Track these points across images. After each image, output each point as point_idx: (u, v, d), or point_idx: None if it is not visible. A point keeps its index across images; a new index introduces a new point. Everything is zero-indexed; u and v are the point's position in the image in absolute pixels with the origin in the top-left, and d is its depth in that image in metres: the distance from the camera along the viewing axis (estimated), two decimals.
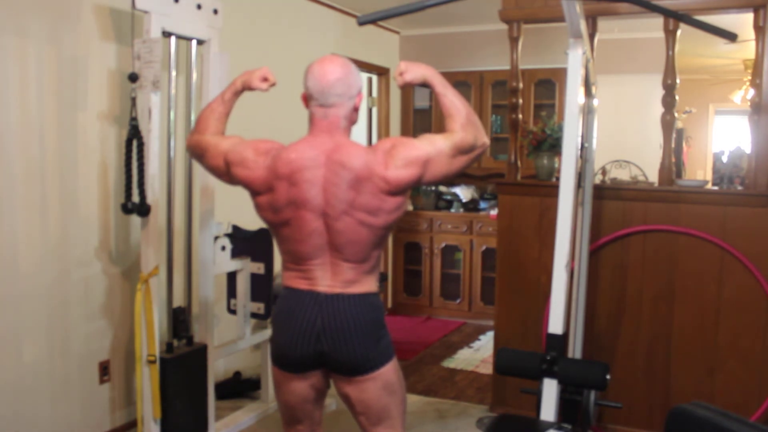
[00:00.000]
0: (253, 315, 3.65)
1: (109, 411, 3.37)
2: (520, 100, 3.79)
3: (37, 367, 3.02)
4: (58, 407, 3.12)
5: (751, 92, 3.41)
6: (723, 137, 8.46)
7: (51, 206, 3.05)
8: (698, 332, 3.35)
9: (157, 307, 3.05)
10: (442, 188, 6.28)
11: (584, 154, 3.12)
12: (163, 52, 2.95)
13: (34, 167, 2.97)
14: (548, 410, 2.46)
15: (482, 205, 6.13)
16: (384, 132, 6.14)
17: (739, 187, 3.60)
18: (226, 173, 2.06)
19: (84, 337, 3.22)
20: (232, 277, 3.62)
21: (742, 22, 3.84)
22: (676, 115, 3.44)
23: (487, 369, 4.60)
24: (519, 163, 3.81)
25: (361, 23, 2.39)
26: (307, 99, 2.02)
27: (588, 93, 3.02)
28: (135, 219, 3.31)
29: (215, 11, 3.27)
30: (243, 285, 3.58)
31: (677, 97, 3.42)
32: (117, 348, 3.39)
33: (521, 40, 3.69)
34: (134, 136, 2.97)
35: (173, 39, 3.12)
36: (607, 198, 3.49)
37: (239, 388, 4.02)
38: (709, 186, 3.95)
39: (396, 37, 6.29)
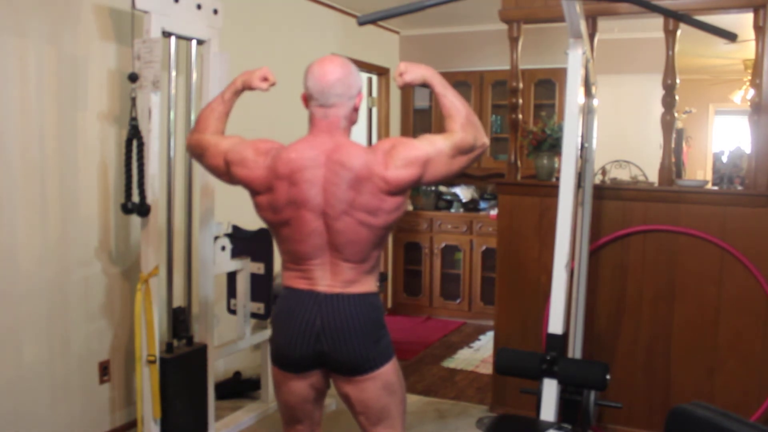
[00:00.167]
0: (253, 315, 3.65)
1: (109, 411, 3.37)
2: (520, 100, 3.79)
3: (37, 367, 3.02)
4: (58, 407, 3.12)
5: (751, 92, 3.41)
6: (723, 137, 8.46)
7: (51, 206, 3.05)
8: (698, 332, 3.35)
9: (157, 307, 3.05)
10: (442, 188, 6.28)
11: (584, 154, 3.12)
12: (163, 52, 2.95)
13: (34, 167, 2.97)
14: (548, 410, 2.46)
15: (482, 205, 6.13)
16: (384, 132, 6.14)
17: (739, 187, 3.60)
18: (226, 173, 2.06)
19: (84, 337, 3.22)
20: (232, 277, 3.62)
21: (742, 22, 3.84)
22: (676, 115, 3.44)
23: (487, 369, 4.60)
24: (519, 163, 3.81)
25: (361, 23, 2.39)
26: (307, 99, 2.02)
27: (588, 93, 3.02)
28: (135, 219, 3.31)
29: (215, 11, 3.27)
30: (243, 285, 3.58)
31: (677, 97, 3.42)
32: (117, 348, 3.39)
33: (521, 40, 3.69)
34: (134, 136, 2.97)
35: (173, 39, 3.12)
36: (607, 198, 3.49)
37: (239, 388, 4.02)
38: (709, 186, 3.96)
39: (396, 37, 6.29)
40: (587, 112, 3.11)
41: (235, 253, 3.52)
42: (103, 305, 3.31)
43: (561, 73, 5.29)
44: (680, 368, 3.40)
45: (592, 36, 3.46)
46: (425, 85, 2.07)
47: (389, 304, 6.28)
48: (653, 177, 4.07)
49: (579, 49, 2.60)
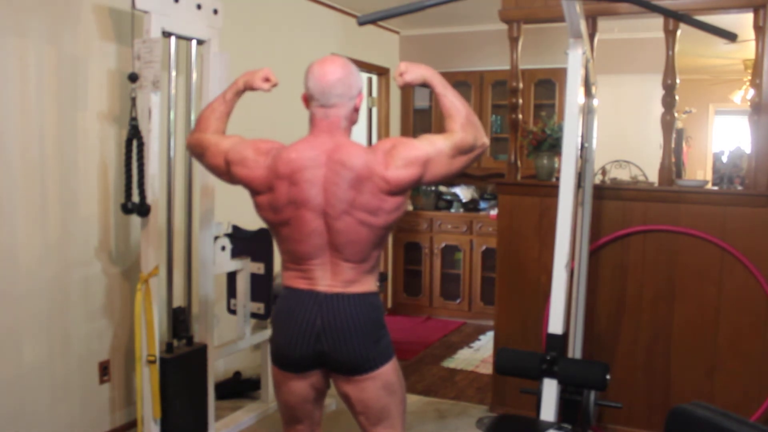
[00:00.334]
0: (253, 315, 3.65)
1: (109, 411, 3.37)
2: (520, 100, 3.79)
3: (37, 366, 3.02)
4: (58, 407, 3.12)
5: (751, 92, 3.41)
6: (723, 137, 8.46)
7: (51, 206, 3.05)
8: (698, 332, 3.35)
9: (157, 307, 3.05)
10: (442, 188, 6.28)
11: (584, 154, 3.12)
12: (163, 52, 2.95)
13: (34, 167, 2.97)
14: (548, 410, 2.46)
15: (482, 205, 6.13)
16: (384, 132, 6.14)
17: (739, 187, 3.60)
18: (227, 172, 2.06)
19: (84, 337, 3.22)
20: (232, 277, 3.62)
21: (742, 22, 3.84)
22: (676, 115, 3.44)
23: (487, 369, 4.60)
24: (519, 163, 3.81)
25: (361, 23, 2.39)
26: (307, 99, 2.02)
27: (588, 93, 3.02)
28: (135, 219, 3.31)
29: (215, 11, 3.27)
30: (243, 285, 3.58)
31: (677, 97, 3.42)
32: (117, 348, 3.39)
33: (521, 40, 3.69)
34: (134, 136, 2.97)
35: (173, 39, 3.12)
36: (607, 198, 3.49)
37: (239, 388, 4.02)
38: (709, 186, 3.95)
39: (396, 37, 6.29)
40: (587, 112, 3.11)
41: (235, 253, 3.52)
42: (103, 305, 3.31)
43: (561, 73, 5.29)
44: (680, 368, 3.40)
45: (592, 36, 3.46)
46: (425, 85, 2.07)
47: (389, 304, 6.28)
48: (653, 177, 4.07)
49: (579, 49, 2.60)
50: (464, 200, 6.15)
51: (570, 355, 3.22)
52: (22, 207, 2.93)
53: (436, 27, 6.08)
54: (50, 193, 3.05)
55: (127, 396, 3.45)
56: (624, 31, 5.46)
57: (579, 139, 2.66)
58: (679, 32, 3.36)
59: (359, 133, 5.95)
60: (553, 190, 3.12)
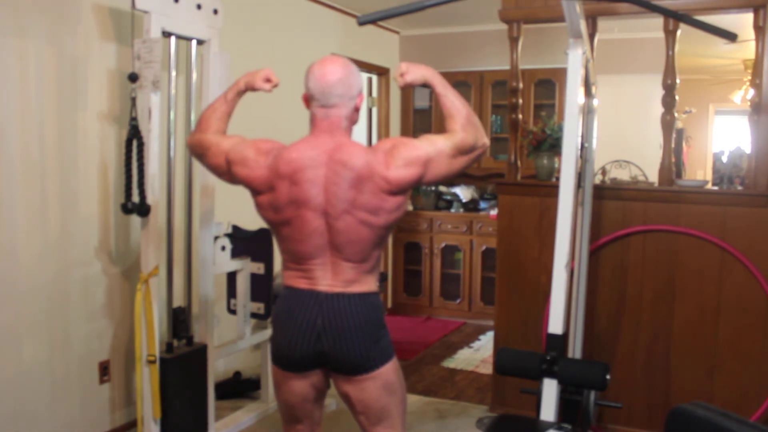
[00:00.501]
0: (253, 315, 3.65)
1: (109, 411, 3.37)
2: (520, 100, 3.79)
3: (37, 366, 3.02)
4: (58, 407, 3.12)
5: (751, 92, 3.41)
6: (723, 137, 8.46)
7: (51, 206, 3.05)
8: (698, 332, 3.35)
9: (157, 307, 3.05)
10: (442, 188, 6.28)
11: (584, 154, 3.12)
12: (163, 52, 2.95)
13: (34, 167, 2.97)
14: (548, 410, 2.46)
15: (482, 205, 6.13)
16: (384, 132, 6.14)
17: (739, 187, 3.61)
18: (227, 172, 2.06)
19: (84, 337, 3.22)
20: (232, 277, 3.62)
21: (742, 22, 3.84)
22: (676, 115, 3.44)
23: (487, 369, 4.60)
24: (519, 163, 3.81)
25: (361, 23, 2.39)
26: (308, 100, 2.02)
27: (588, 93, 3.02)
28: (135, 219, 3.31)
29: (215, 11, 3.27)
30: (243, 285, 3.58)
31: (677, 97, 3.42)
32: (117, 348, 3.39)
33: (521, 40, 3.69)
34: (134, 136, 2.97)
35: (173, 39, 3.12)
36: (607, 198, 3.49)
37: (239, 388, 4.02)
38: (709, 186, 3.96)
39: (396, 37, 6.29)
40: (587, 112, 3.11)
41: (235, 253, 3.52)
42: (103, 305, 3.31)
43: (561, 73, 5.28)
44: (680, 368, 3.40)
45: (592, 36, 3.46)
46: (426, 85, 2.07)
47: (389, 304, 6.28)
48: (653, 177, 4.07)
49: (579, 49, 2.60)
50: (464, 200, 6.15)
51: (570, 355, 3.22)
52: (22, 207, 2.93)
53: (436, 27, 6.08)
54: (50, 193, 3.05)
55: (127, 396, 3.45)
56: (624, 31, 5.46)
57: (579, 139, 2.66)
58: (679, 32, 3.36)
59: (359, 133, 5.95)
60: (553, 190, 3.12)
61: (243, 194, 2.11)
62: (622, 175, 4.95)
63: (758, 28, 3.19)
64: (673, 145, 3.48)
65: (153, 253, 3.01)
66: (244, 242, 3.53)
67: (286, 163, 1.94)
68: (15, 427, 2.93)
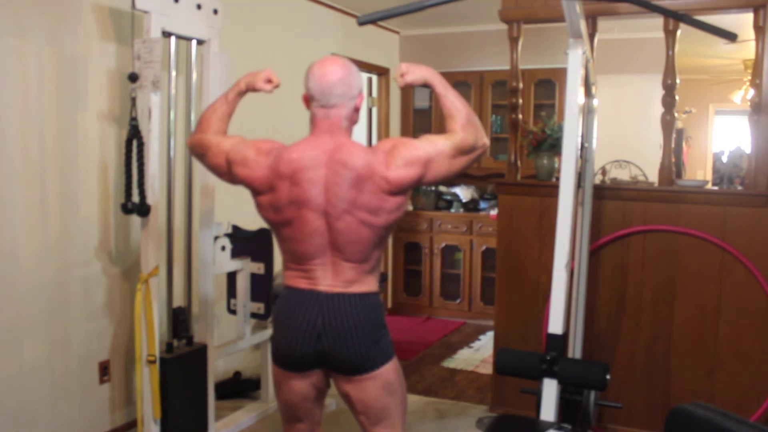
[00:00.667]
0: (253, 315, 3.65)
1: (109, 411, 3.37)
2: (520, 100, 3.79)
3: (37, 366, 3.02)
4: (58, 407, 3.12)
5: (751, 92, 3.41)
6: (723, 137, 8.46)
7: (51, 206, 3.05)
8: (698, 332, 3.35)
9: (157, 307, 3.05)
10: (442, 188, 6.28)
11: (584, 154, 3.12)
12: (163, 52, 2.95)
13: (34, 167, 2.97)
14: (548, 410, 2.46)
15: (482, 205, 6.13)
16: (384, 132, 6.14)
17: (739, 187, 3.61)
18: (228, 172, 2.06)
19: (84, 337, 3.22)
20: (232, 277, 3.62)
21: (742, 22, 3.84)
22: (676, 115, 3.44)
23: (487, 369, 4.60)
24: (519, 163, 3.81)
25: (361, 23, 2.39)
26: (308, 100, 2.02)
27: (588, 93, 3.02)
28: (135, 219, 3.31)
29: (215, 11, 3.27)
30: (243, 285, 3.58)
31: (677, 97, 3.42)
32: (117, 348, 3.39)
33: (521, 40, 3.69)
34: (134, 136, 2.97)
35: (173, 39, 3.12)
36: (607, 198, 3.49)
37: (239, 388, 4.02)
38: (709, 186, 3.96)
39: (396, 37, 6.29)
40: (587, 112, 3.11)
41: (235, 253, 3.52)
42: (103, 305, 3.31)
43: (561, 73, 5.28)
44: (680, 368, 3.40)
45: (592, 36, 3.46)
46: (426, 85, 2.08)
47: (389, 304, 6.28)
48: (653, 177, 4.07)
49: (579, 49, 2.60)
50: (464, 200, 6.15)
51: (570, 355, 3.22)
52: (22, 207, 2.93)
53: (436, 27, 6.08)
54: (50, 193, 3.05)
55: (127, 396, 3.45)
56: (624, 31, 5.46)
57: (579, 139, 2.66)
58: (679, 32, 3.36)
59: (359, 133, 5.95)
60: (553, 190, 3.12)
61: (243, 194, 2.11)
62: (622, 175, 4.95)
63: (758, 28, 3.19)
64: (673, 145, 3.48)
65: (153, 253, 3.01)
66: (244, 242, 3.54)
67: (286, 163, 1.94)
68: (15, 427, 2.93)
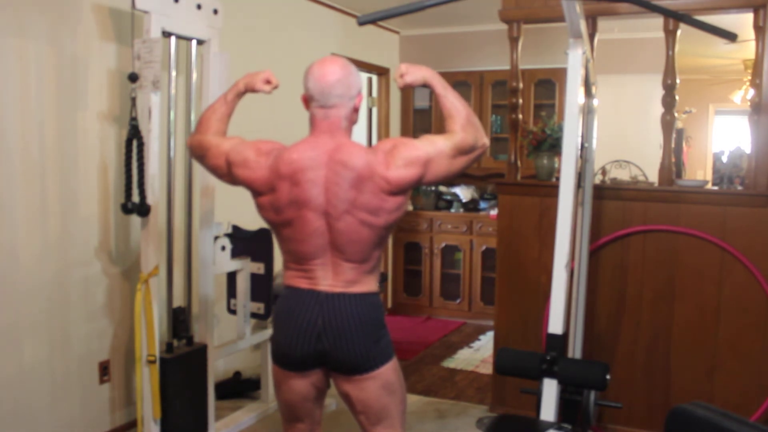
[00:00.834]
0: (253, 315, 3.65)
1: (109, 411, 3.37)
2: (520, 100, 3.79)
3: (37, 366, 3.02)
4: (58, 407, 3.12)
5: (751, 92, 3.41)
6: (723, 137, 8.46)
7: (51, 206, 3.05)
8: (698, 332, 3.35)
9: (157, 307, 3.05)
10: (442, 188, 6.28)
11: (584, 154, 3.12)
12: (163, 52, 2.95)
13: (34, 167, 2.97)
14: (548, 410, 2.46)
15: (482, 205, 6.14)
16: (384, 132, 6.14)
17: (739, 187, 3.61)
18: (228, 173, 2.06)
19: (84, 337, 3.22)
20: (232, 277, 3.62)
21: (742, 22, 3.84)
22: (676, 115, 3.44)
23: (487, 369, 4.60)
24: (519, 163, 3.81)
25: (361, 23, 2.39)
26: (307, 100, 2.03)
27: (588, 93, 3.02)
28: (135, 219, 3.31)
29: (215, 11, 3.27)
30: (243, 285, 3.58)
31: (677, 97, 3.41)
32: (117, 348, 3.39)
33: (521, 40, 3.69)
34: (134, 136, 2.97)
35: (173, 39, 3.12)
36: (607, 198, 3.49)
37: (239, 388, 4.02)
38: (709, 186, 3.96)
39: (396, 37, 6.29)
40: (587, 112, 3.11)
41: (235, 253, 3.52)
42: (103, 305, 3.31)
43: (561, 73, 5.28)
44: (680, 368, 3.40)
45: (592, 36, 3.46)
46: (426, 86, 2.08)
47: (389, 304, 6.28)
48: (653, 177, 4.07)
49: (579, 49, 2.60)
50: (464, 200, 6.15)
51: (570, 355, 3.22)
52: (22, 207, 2.93)
53: (436, 27, 6.08)
54: (50, 193, 3.05)
55: (127, 396, 3.45)
56: (624, 31, 5.46)
57: (579, 139, 2.66)
58: (679, 32, 3.36)
59: (359, 133, 5.95)
60: (553, 190, 3.12)
61: (243, 194, 2.11)
62: (622, 175, 4.96)
63: (758, 28, 3.19)
64: (673, 145, 3.48)
65: (153, 253, 3.01)
66: (244, 242, 3.54)
67: (286, 164, 1.95)
68: (15, 427, 2.93)
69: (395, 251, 6.27)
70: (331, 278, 1.99)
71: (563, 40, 2.67)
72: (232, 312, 3.66)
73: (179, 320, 3.25)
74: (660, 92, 3.43)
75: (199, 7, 3.16)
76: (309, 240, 1.97)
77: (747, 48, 5.27)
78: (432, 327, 5.81)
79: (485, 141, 2.04)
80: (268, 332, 3.68)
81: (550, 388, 2.48)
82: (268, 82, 2.19)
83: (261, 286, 3.59)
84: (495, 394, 3.84)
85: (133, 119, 2.97)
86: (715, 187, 3.72)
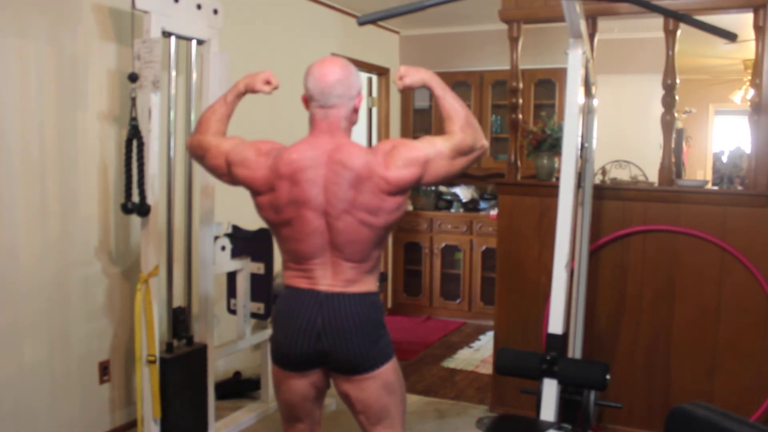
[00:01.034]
0: (253, 315, 3.65)
1: (109, 411, 3.37)
2: (520, 100, 3.79)
3: (37, 366, 3.02)
4: (58, 407, 3.12)
5: (751, 92, 3.41)
6: (723, 137, 8.46)
7: (51, 206, 3.05)
8: (698, 332, 3.35)
9: (157, 307, 3.05)
10: (442, 188, 6.28)
11: (584, 154, 3.12)
12: (163, 52, 2.95)
13: (34, 167, 2.97)
14: (548, 410, 2.46)
15: (482, 205, 6.13)
16: (384, 132, 6.14)
17: (739, 187, 3.60)
18: (228, 173, 2.06)
19: (84, 337, 3.22)
20: (232, 277, 3.62)
21: (742, 22, 3.84)
22: (676, 115, 3.44)
23: (487, 369, 4.60)
24: (519, 163, 3.81)
25: (361, 23, 2.39)
26: (307, 100, 2.03)
27: (588, 93, 3.02)
28: (135, 219, 3.31)
29: (215, 11, 3.27)
30: (243, 285, 3.58)
31: (677, 97, 3.41)
32: (117, 348, 3.39)
33: (521, 40, 3.69)
34: (134, 136, 2.97)
35: (173, 39, 3.12)
36: (607, 198, 3.49)
37: (239, 388, 4.02)
38: (709, 186, 3.96)
39: (396, 37, 6.29)
40: (587, 112, 3.11)
41: (235, 253, 3.52)
42: (103, 305, 3.31)
43: (561, 73, 5.29)
44: (680, 368, 3.40)
45: (592, 36, 3.46)
46: (425, 87, 2.09)
47: (389, 304, 6.28)
48: (653, 177, 4.07)
49: (579, 49, 2.60)
50: (464, 200, 6.15)
51: (570, 355, 3.22)
52: (22, 207, 2.93)
53: (436, 27, 6.08)
54: (50, 193, 3.05)
55: (127, 396, 3.45)
56: (624, 31, 5.46)
57: (579, 139, 2.66)
58: (679, 32, 3.36)
59: (359, 133, 5.95)
60: (553, 190, 3.12)
61: (243, 194, 2.11)
62: (622, 175, 4.95)
63: (758, 28, 3.19)
64: (673, 145, 3.48)
65: (153, 253, 3.01)
66: (244, 242, 3.54)
67: (286, 163, 1.95)
68: (15, 427, 2.93)
69: (395, 251, 6.27)
70: (330, 278, 2.00)
71: (563, 40, 2.67)
72: (232, 312, 3.66)
73: (179, 320, 3.25)
74: (660, 92, 3.43)
75: (199, 7, 3.17)
76: (308, 239, 1.97)
77: (747, 48, 5.27)
78: (432, 327, 5.81)
79: (484, 142, 2.05)
80: (268, 332, 3.68)
81: (550, 388, 2.48)
82: (268, 82, 2.19)
83: (261, 286, 3.60)
84: (495, 394, 3.84)
85: (133, 119, 2.97)
86: (715, 187, 3.72)
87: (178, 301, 3.37)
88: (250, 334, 3.67)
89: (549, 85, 5.83)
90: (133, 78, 2.95)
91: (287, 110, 4.04)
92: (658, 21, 3.42)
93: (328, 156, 1.95)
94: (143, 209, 2.98)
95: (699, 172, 8.20)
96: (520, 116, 3.79)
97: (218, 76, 3.26)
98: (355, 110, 2.05)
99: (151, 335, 2.99)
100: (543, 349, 2.60)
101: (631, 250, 3.46)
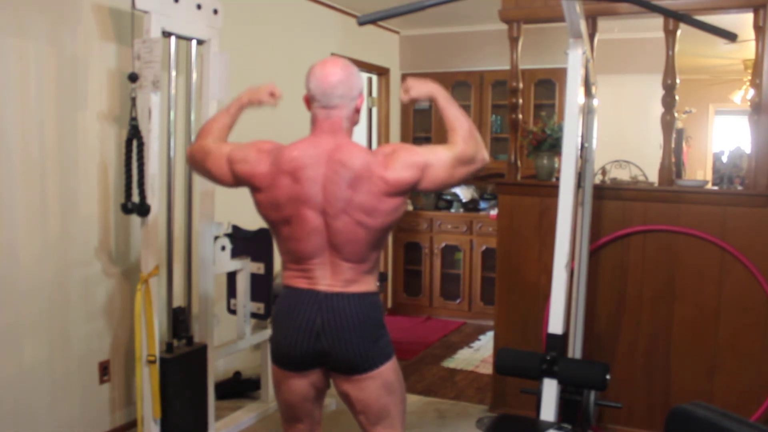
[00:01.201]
0: (253, 315, 3.65)
1: (109, 411, 3.37)
2: (520, 100, 3.79)
3: (37, 366, 3.02)
4: (58, 407, 3.12)
5: (751, 92, 3.41)
6: (723, 137, 8.46)
7: (51, 206, 3.05)
8: (698, 332, 3.35)
9: (157, 307, 3.06)
10: None
11: (584, 154, 3.12)
12: (163, 52, 2.95)
13: (34, 167, 2.97)
14: (548, 410, 2.46)
15: (482, 205, 6.14)
16: (384, 132, 6.14)
17: (739, 187, 3.60)
18: (229, 173, 2.06)
19: (84, 337, 3.22)
20: (232, 277, 3.62)
21: (742, 22, 3.84)
22: (676, 115, 3.44)
23: (487, 369, 4.60)
24: (519, 163, 3.81)
25: (361, 23, 2.39)
26: (309, 101, 2.04)
27: (588, 93, 3.02)
28: (135, 219, 3.31)
29: (215, 11, 3.27)
30: (243, 285, 3.58)
31: (677, 97, 3.42)
32: (117, 348, 3.39)
33: (521, 40, 3.69)
34: (134, 136, 2.97)
35: (173, 39, 3.12)
36: (607, 198, 3.49)
37: (239, 388, 4.02)
38: (709, 186, 3.96)
39: (396, 37, 6.29)
40: (587, 112, 3.11)
41: (235, 253, 3.52)
42: (103, 305, 3.31)
43: (561, 73, 5.28)
44: (680, 368, 3.40)
45: (592, 36, 3.46)
46: (429, 100, 2.10)
47: (389, 304, 6.28)
48: (653, 177, 4.07)
49: (579, 49, 2.60)
50: (464, 200, 6.16)
51: (570, 355, 3.22)
52: (22, 207, 2.93)
53: (436, 27, 6.08)
54: (50, 193, 3.05)
55: (127, 396, 3.45)
56: (624, 31, 5.46)
57: (579, 139, 2.66)
58: (679, 32, 3.36)
59: (359, 133, 5.95)
60: (553, 190, 3.12)
61: (243, 194, 2.11)
62: (622, 175, 4.96)
63: (758, 28, 3.19)
64: (673, 145, 3.48)
65: (153, 253, 3.01)
66: (244, 242, 3.54)
67: (287, 160, 1.96)
68: (15, 427, 2.93)
69: (395, 251, 6.27)
70: (329, 278, 2.00)
71: (563, 40, 2.67)
72: (232, 312, 3.66)
73: (179, 320, 3.25)
74: (660, 92, 3.43)
75: (199, 7, 3.17)
76: (307, 238, 1.97)
77: (747, 48, 5.27)
78: (432, 327, 5.81)
79: (485, 155, 2.06)
80: (268, 332, 3.68)
81: (550, 388, 2.48)
82: (272, 94, 2.21)
83: (261, 286, 3.60)
84: (495, 394, 3.84)
85: (133, 119, 2.97)
86: (715, 187, 3.72)
87: (178, 301, 3.37)
88: (250, 334, 3.67)
89: (549, 85, 5.83)
90: (133, 78, 2.95)
91: (287, 110, 4.03)
92: (658, 21, 3.42)
93: (329, 155, 1.95)
94: (143, 209, 2.98)
95: (699, 172, 8.20)
96: (520, 116, 3.79)
97: (218, 76, 3.26)
98: (357, 110, 2.06)
99: (151, 335, 3.00)
100: (543, 349, 2.60)
101: (631, 250, 3.46)
